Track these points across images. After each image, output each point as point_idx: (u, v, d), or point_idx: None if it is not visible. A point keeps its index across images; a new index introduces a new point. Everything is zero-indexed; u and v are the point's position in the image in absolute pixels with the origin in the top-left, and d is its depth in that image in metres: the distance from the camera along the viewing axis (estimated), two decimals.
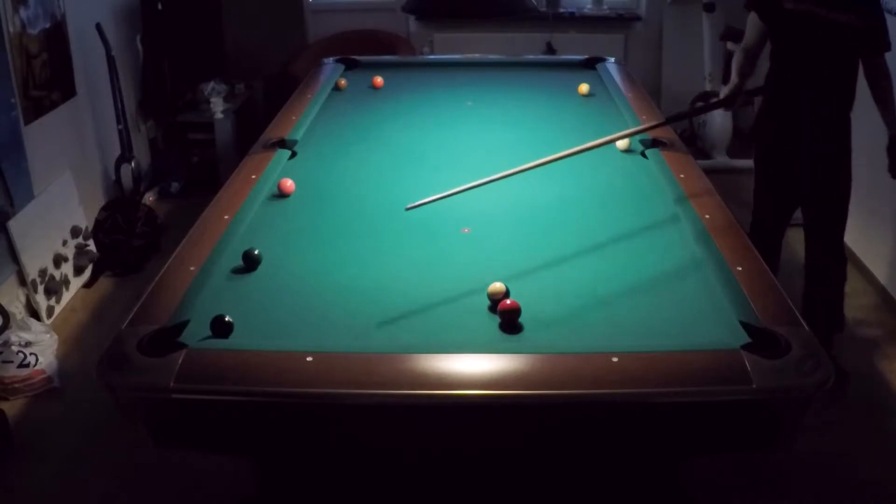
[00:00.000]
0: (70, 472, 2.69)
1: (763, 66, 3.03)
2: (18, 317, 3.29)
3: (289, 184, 2.58)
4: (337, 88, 3.72)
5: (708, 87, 5.39)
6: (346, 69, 4.01)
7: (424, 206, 2.48)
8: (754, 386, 1.57)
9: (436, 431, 1.67)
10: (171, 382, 1.59)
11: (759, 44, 3.00)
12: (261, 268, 2.09)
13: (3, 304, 3.17)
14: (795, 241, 4.22)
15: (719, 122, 5.15)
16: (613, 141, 2.67)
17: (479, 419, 1.64)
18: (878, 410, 2.90)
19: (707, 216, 2.28)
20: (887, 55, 2.78)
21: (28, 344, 3.14)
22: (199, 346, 1.71)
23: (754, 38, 2.99)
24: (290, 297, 1.98)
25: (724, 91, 2.97)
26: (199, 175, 4.93)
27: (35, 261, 3.48)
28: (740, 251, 2.09)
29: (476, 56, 4.43)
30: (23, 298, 3.45)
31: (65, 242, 3.75)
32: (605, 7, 5.71)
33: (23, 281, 3.43)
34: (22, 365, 3.05)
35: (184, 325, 1.79)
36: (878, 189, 3.49)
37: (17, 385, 3.04)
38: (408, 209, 2.18)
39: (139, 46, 4.78)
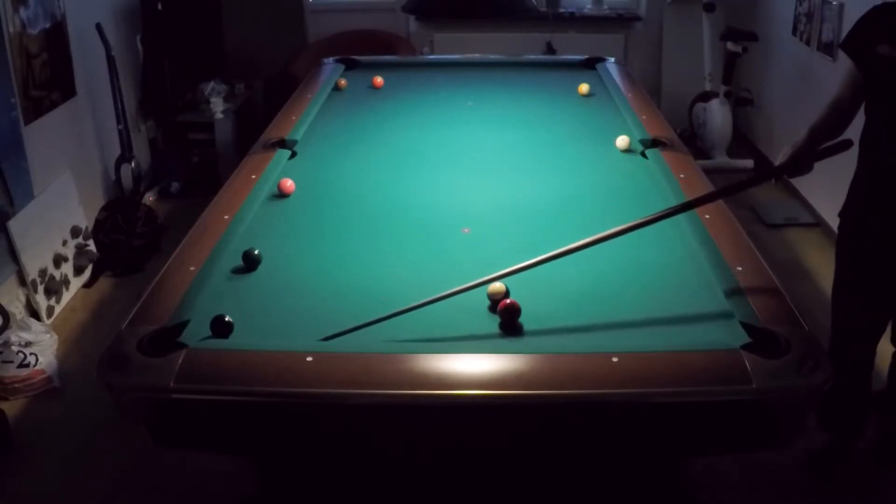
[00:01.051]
0: (70, 472, 2.69)
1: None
2: (18, 317, 3.29)
3: (289, 184, 2.58)
4: (337, 88, 3.72)
5: (708, 86, 5.40)
6: (346, 69, 4.01)
7: (425, 207, 2.49)
8: (754, 386, 1.57)
9: (436, 431, 1.67)
10: (171, 382, 1.59)
11: (852, 97, 2.35)
12: (261, 268, 2.09)
13: (3, 304, 3.17)
14: (800, 240, 4.23)
15: (719, 122, 5.16)
16: (665, 217, 2.10)
17: (479, 419, 1.64)
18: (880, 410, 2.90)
19: (707, 216, 2.27)
20: None
21: (28, 344, 3.14)
22: (199, 346, 1.71)
23: (847, 91, 2.35)
24: (290, 297, 1.98)
25: (783, 153, 2.29)
26: (199, 175, 4.93)
27: (35, 261, 3.48)
28: (740, 251, 2.09)
29: (476, 56, 4.43)
30: (23, 298, 3.45)
31: (65, 242, 3.75)
32: (605, 7, 5.72)
33: (23, 281, 3.43)
34: (22, 365, 3.05)
35: (184, 325, 1.79)
36: None
37: (17, 385, 3.04)
38: (322, 340, 1.78)
39: (139, 46, 4.78)
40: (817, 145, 2.25)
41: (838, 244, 2.53)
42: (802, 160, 2.25)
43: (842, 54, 2.38)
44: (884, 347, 2.55)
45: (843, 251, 2.52)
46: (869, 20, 2.32)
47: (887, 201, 2.34)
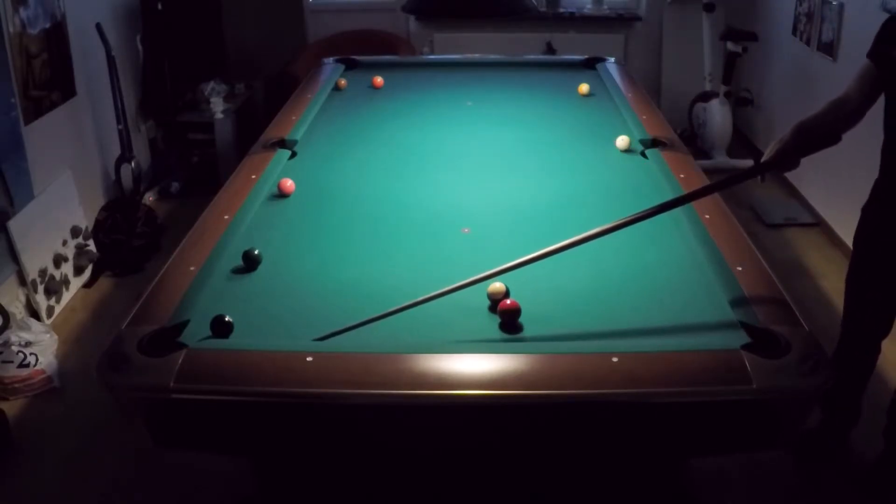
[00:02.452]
0: (70, 472, 2.69)
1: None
2: (18, 317, 3.28)
3: (289, 184, 2.58)
4: (337, 88, 3.72)
5: (708, 86, 5.40)
6: (346, 69, 4.01)
7: (425, 207, 2.49)
8: (754, 386, 1.57)
9: (436, 431, 1.67)
10: (171, 382, 1.59)
11: (860, 101, 2.31)
12: (261, 268, 2.09)
13: (3, 304, 3.17)
14: (799, 240, 4.23)
15: (719, 121, 5.16)
16: (663, 211, 2.07)
17: (479, 419, 1.64)
18: (882, 408, 2.90)
19: (707, 216, 2.28)
20: None
21: (28, 344, 3.14)
22: (199, 346, 1.71)
23: (856, 93, 2.32)
24: (290, 297, 1.98)
25: (769, 149, 2.22)
26: (199, 175, 4.93)
27: (35, 261, 3.48)
28: (740, 251, 2.09)
29: (476, 56, 4.44)
30: (23, 298, 3.45)
31: (65, 242, 3.75)
32: (605, 7, 5.72)
33: (23, 281, 3.43)
34: (22, 365, 3.05)
35: (184, 325, 1.79)
36: None
37: (17, 385, 3.04)
38: (316, 339, 1.78)
39: (139, 46, 4.79)
40: (805, 141, 2.18)
41: (857, 233, 2.55)
42: (789, 156, 2.18)
43: (865, 61, 2.35)
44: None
45: (860, 240, 2.54)
46: (886, 27, 2.33)
47: None
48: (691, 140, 5.36)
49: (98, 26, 4.01)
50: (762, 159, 2.21)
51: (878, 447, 2.63)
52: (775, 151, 2.18)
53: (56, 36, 3.78)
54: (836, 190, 4.14)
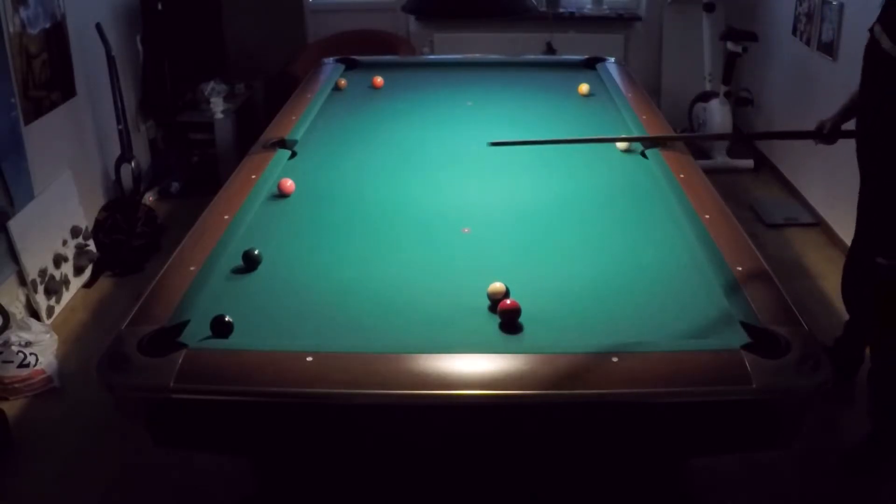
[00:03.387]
0: (70, 472, 2.69)
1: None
2: (18, 317, 3.28)
3: (289, 184, 2.58)
4: (337, 88, 3.72)
5: (708, 86, 5.40)
6: (346, 69, 4.01)
7: (425, 207, 2.49)
8: (754, 386, 1.57)
9: (435, 431, 1.67)
10: (171, 382, 1.59)
11: None
12: (261, 268, 2.09)
13: (3, 304, 3.17)
14: (800, 240, 4.23)
15: (719, 122, 5.15)
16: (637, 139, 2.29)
17: (479, 419, 1.64)
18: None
19: (707, 216, 2.28)
20: None
21: (28, 344, 3.13)
22: (199, 346, 1.71)
23: None
24: (290, 297, 1.98)
25: (818, 124, 2.63)
26: (199, 175, 4.93)
27: (35, 261, 3.48)
28: (740, 251, 2.09)
29: (476, 56, 4.44)
30: (23, 298, 3.45)
31: (65, 242, 3.75)
32: (605, 7, 5.72)
33: (23, 281, 3.43)
34: (22, 365, 3.05)
35: (184, 325, 1.79)
36: None
37: (17, 385, 3.04)
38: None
39: (139, 46, 4.79)
40: (845, 120, 2.63)
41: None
42: (829, 133, 2.65)
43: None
44: None
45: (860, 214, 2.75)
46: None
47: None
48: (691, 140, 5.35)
49: (98, 26, 4.01)
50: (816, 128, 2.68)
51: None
52: (819, 126, 2.65)
53: (56, 36, 3.78)
54: (836, 190, 4.14)
